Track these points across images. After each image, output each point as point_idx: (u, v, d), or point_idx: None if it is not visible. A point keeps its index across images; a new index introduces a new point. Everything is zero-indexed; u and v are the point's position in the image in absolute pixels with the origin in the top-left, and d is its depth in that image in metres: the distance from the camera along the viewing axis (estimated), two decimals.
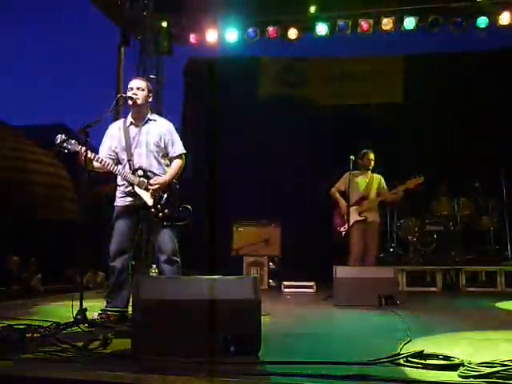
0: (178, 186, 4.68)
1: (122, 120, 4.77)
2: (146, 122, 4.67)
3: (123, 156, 4.61)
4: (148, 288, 3.04)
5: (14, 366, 2.66)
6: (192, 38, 9.80)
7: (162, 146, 4.66)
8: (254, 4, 9.16)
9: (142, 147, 4.60)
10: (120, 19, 9.34)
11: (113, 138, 4.68)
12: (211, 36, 9.67)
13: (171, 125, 4.80)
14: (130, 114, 4.68)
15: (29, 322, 3.78)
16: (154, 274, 7.95)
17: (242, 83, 10.41)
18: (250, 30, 9.44)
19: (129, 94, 4.57)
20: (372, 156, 7.12)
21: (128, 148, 4.58)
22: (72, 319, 3.79)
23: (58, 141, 4.34)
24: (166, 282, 3.29)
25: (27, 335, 3.19)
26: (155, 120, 4.72)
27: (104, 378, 2.48)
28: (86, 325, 3.81)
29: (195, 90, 10.94)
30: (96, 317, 4.26)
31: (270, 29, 9.40)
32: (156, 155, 4.63)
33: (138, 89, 4.59)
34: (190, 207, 4.62)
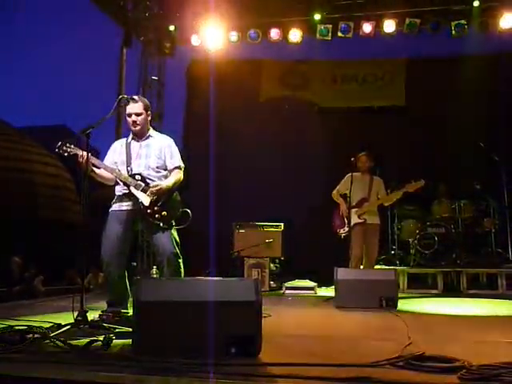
0: (178, 194, 4.73)
1: (124, 138, 4.91)
2: (147, 138, 4.78)
3: (123, 168, 4.69)
4: (149, 289, 3.05)
5: (15, 367, 2.66)
6: (194, 39, 9.82)
7: (162, 158, 4.75)
8: (255, 6, 9.18)
9: (142, 159, 4.70)
10: (123, 20, 9.35)
11: (115, 152, 4.81)
12: (213, 38, 9.68)
13: (171, 139, 4.90)
14: (130, 127, 4.77)
15: (30, 323, 3.78)
16: (155, 276, 7.96)
17: (244, 85, 10.43)
18: (252, 31, 9.46)
19: (129, 120, 4.68)
20: (365, 158, 7.15)
21: (128, 160, 4.68)
22: (73, 320, 3.79)
23: (59, 144, 4.41)
24: (167, 284, 3.29)
25: (28, 336, 3.19)
26: (154, 137, 4.83)
27: (105, 380, 2.48)
28: (87, 326, 3.81)
29: (197, 92, 10.94)
30: (97, 318, 4.27)
31: (272, 31, 9.42)
32: (156, 168, 4.71)
33: (137, 115, 4.67)
34: (189, 211, 4.64)
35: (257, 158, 9.88)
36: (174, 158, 4.79)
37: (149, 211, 4.53)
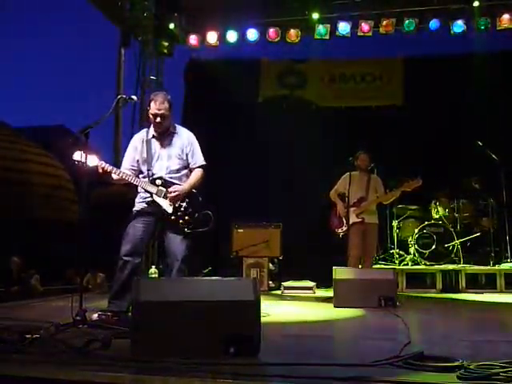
0: (200, 198, 4.69)
1: (144, 131, 4.81)
2: (169, 135, 4.71)
3: (144, 168, 4.65)
4: (147, 289, 3.04)
5: (14, 366, 2.66)
6: (192, 39, 9.82)
7: (184, 157, 4.71)
8: (254, 5, 9.18)
9: (163, 160, 4.65)
10: (120, 20, 9.34)
11: (136, 150, 4.72)
12: (212, 37, 9.68)
13: (192, 135, 4.85)
14: (153, 126, 4.70)
15: (28, 323, 3.78)
16: (154, 275, 7.96)
17: (243, 84, 10.41)
18: (250, 31, 9.45)
19: (153, 119, 4.59)
20: (364, 157, 7.12)
21: (149, 160, 4.61)
22: (71, 320, 3.79)
23: (76, 157, 4.31)
24: (166, 284, 3.29)
25: (27, 336, 3.19)
26: (177, 133, 4.76)
27: (103, 380, 2.47)
28: (86, 326, 3.81)
29: (196, 92, 10.94)
30: (96, 318, 4.26)
31: (271, 30, 9.42)
32: (177, 167, 4.67)
33: (163, 117, 4.58)
34: (211, 213, 4.61)
35: (255, 157, 9.87)
36: (196, 157, 4.74)
37: (173, 217, 4.52)
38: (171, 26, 9.67)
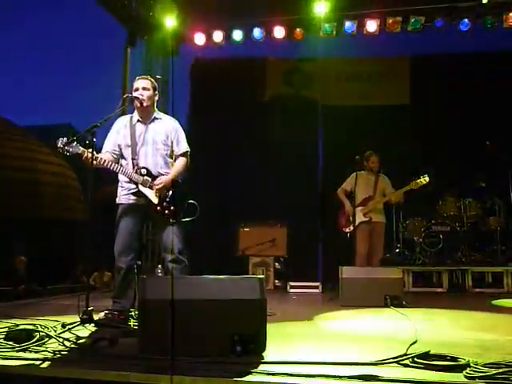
0: (181, 182, 4.67)
1: (128, 116, 4.75)
2: (153, 121, 4.67)
3: (127, 153, 4.59)
4: (154, 288, 3.04)
5: (22, 365, 2.67)
6: (198, 38, 9.81)
7: (169, 144, 4.67)
8: (259, 4, 9.16)
9: (148, 146, 4.60)
10: (127, 19, 9.35)
11: (118, 133, 4.66)
12: (217, 36, 9.68)
13: (177, 123, 4.80)
14: (136, 112, 4.69)
15: (35, 322, 3.79)
16: (160, 274, 7.98)
17: (248, 84, 10.42)
18: (256, 30, 9.45)
19: (134, 94, 4.58)
20: (375, 159, 7.11)
21: (133, 146, 4.56)
22: (78, 319, 3.80)
23: (59, 144, 4.27)
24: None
25: (34, 335, 3.20)
26: (161, 118, 4.73)
27: (110, 378, 2.49)
28: (93, 325, 3.82)
29: (202, 91, 10.93)
30: (102, 317, 4.27)
31: (276, 29, 9.40)
32: (162, 153, 4.63)
33: (143, 89, 4.59)
34: (196, 203, 4.60)
35: (261, 156, 9.87)
36: (180, 144, 4.71)
37: (158, 208, 4.50)
38: (177, 25, 9.67)
